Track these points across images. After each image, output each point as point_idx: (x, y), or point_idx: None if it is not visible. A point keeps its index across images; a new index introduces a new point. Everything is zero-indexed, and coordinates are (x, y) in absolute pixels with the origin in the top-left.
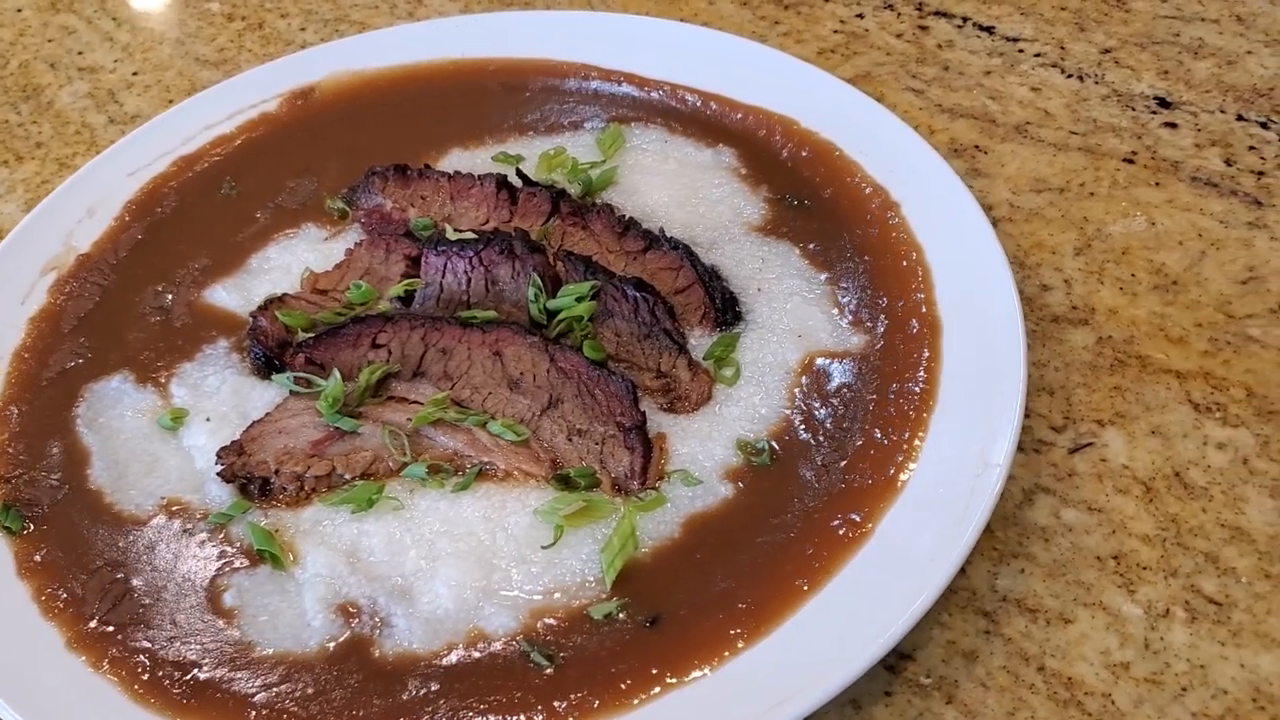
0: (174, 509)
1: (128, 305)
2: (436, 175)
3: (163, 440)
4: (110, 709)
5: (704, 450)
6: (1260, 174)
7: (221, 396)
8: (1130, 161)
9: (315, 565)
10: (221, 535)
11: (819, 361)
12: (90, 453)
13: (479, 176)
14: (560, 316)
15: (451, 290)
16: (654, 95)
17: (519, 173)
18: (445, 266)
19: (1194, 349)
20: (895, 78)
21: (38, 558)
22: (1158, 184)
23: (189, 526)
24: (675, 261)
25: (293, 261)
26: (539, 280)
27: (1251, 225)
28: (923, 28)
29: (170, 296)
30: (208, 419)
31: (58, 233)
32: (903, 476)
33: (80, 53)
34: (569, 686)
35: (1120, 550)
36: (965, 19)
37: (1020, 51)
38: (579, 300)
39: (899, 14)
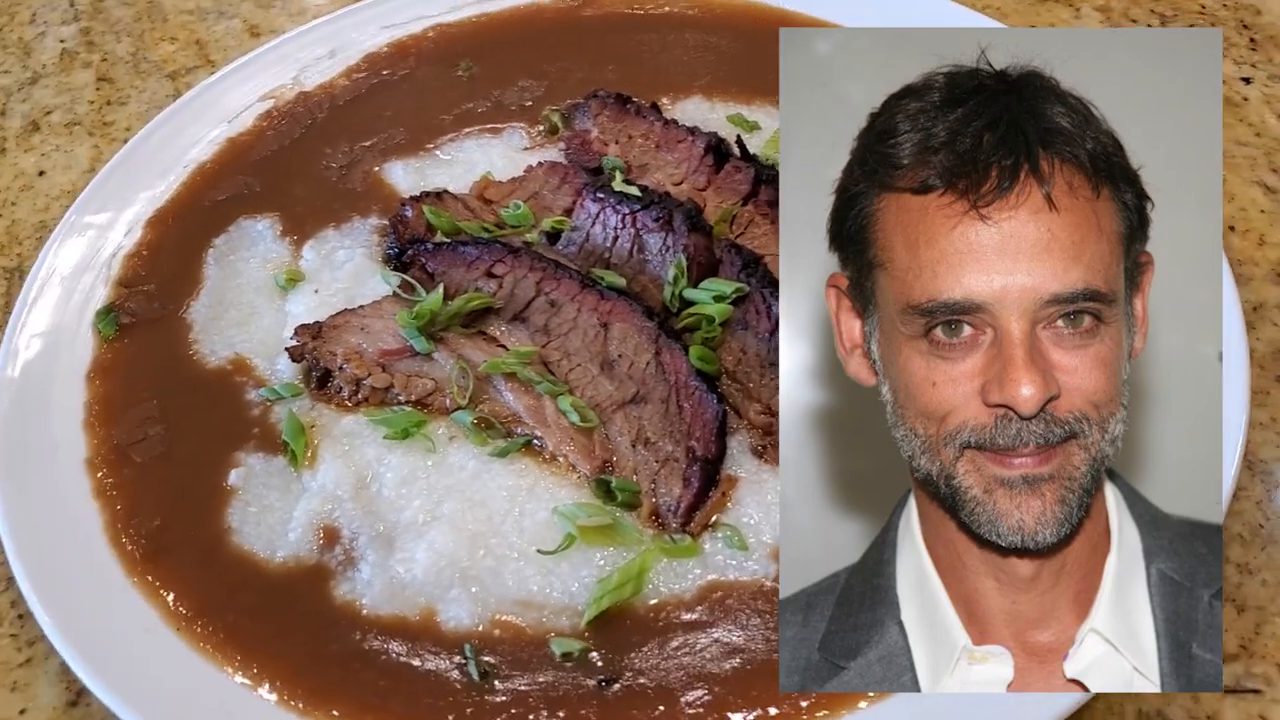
0: (240, 368)
1: (315, 154)
2: (653, 118)
3: (269, 297)
4: (82, 538)
5: (769, 516)
6: None
7: (341, 273)
8: None
9: (325, 477)
10: (263, 411)
11: None
12: (203, 286)
13: (694, 131)
14: (691, 310)
15: (596, 242)
16: None
17: (739, 141)
18: (598, 216)
19: None
20: (1251, 165)
21: (107, 367)
22: None
23: (242, 392)
24: None
25: (481, 161)
26: (684, 263)
27: None
28: None
29: (356, 159)
30: (316, 291)
31: (293, 65)
32: None
33: None
34: (486, 713)
35: None
36: None
37: None
38: (717, 299)
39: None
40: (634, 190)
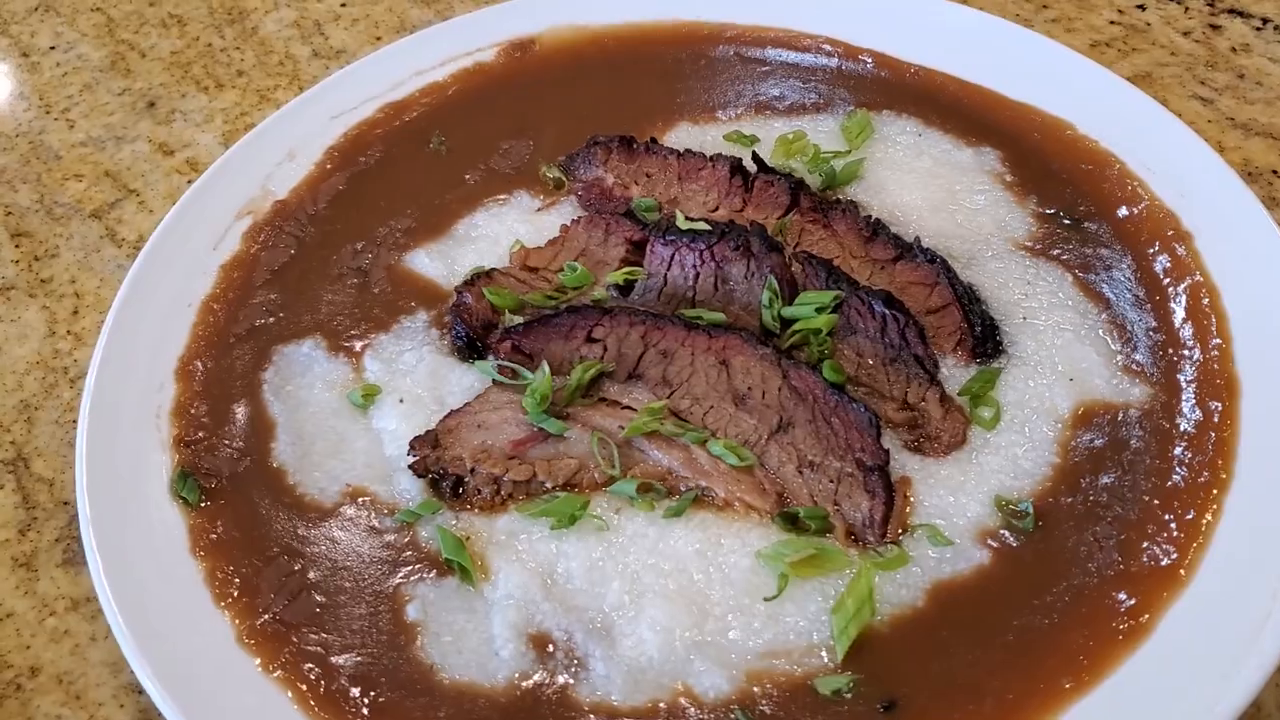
0: (359, 499)
1: (324, 263)
2: (665, 152)
3: (351, 418)
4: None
5: (955, 504)
6: None
7: (417, 376)
8: None
9: (507, 585)
10: (408, 536)
11: (1093, 413)
12: (276, 424)
13: (711, 157)
14: (795, 327)
15: (676, 285)
16: (908, 80)
17: (755, 157)
18: (672, 258)
19: None
20: (1180, 82)
21: (213, 536)
22: None
23: (375, 522)
24: (929, 276)
25: (502, 231)
26: (775, 284)
27: None
28: (1214, 27)
29: (369, 258)
30: (401, 400)
31: (256, 175)
32: (1188, 565)
33: None
34: None
35: None
36: (1265, 21)
37: None
38: (819, 311)
39: (1186, 8)
40: (703, 225)
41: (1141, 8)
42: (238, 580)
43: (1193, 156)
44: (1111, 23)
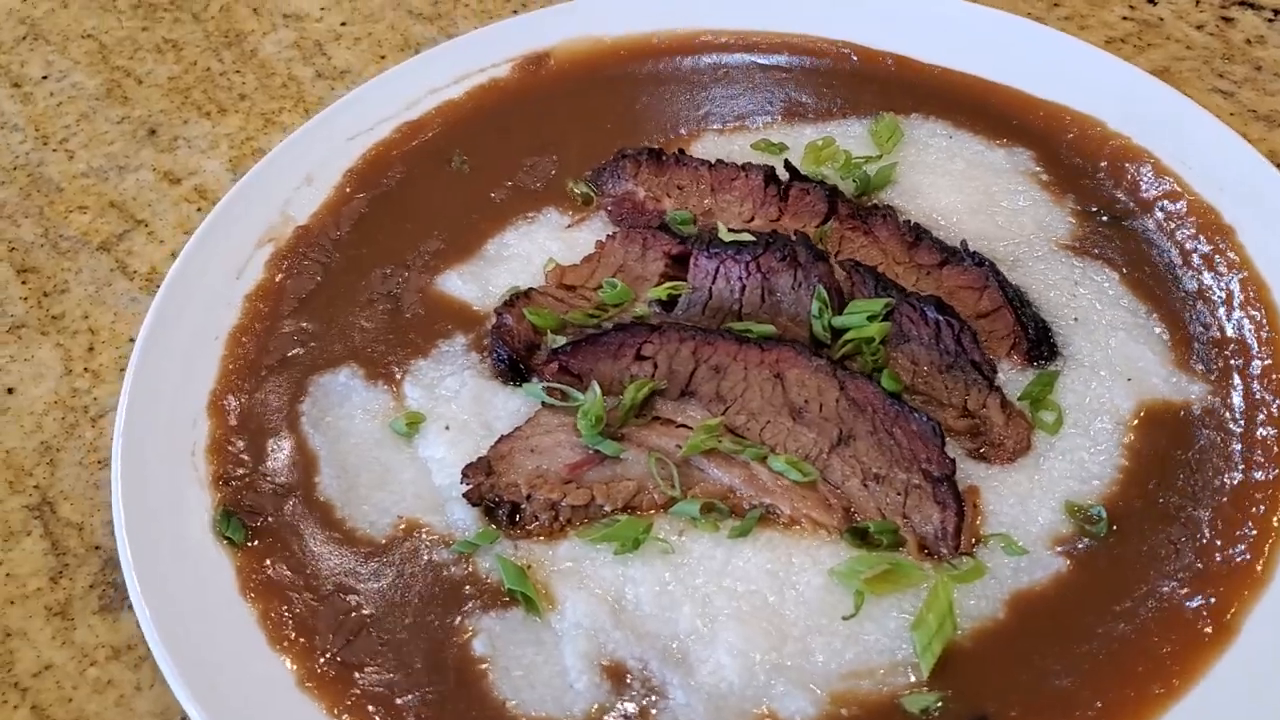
0: (413, 531)
1: (353, 288)
2: (695, 163)
3: (395, 448)
4: None
5: (1026, 512)
6: None
7: (461, 402)
8: None
9: (575, 613)
10: (468, 567)
11: (1155, 413)
12: (318, 457)
13: (743, 167)
14: (847, 337)
15: (722, 298)
16: (932, 82)
17: (787, 165)
18: (717, 271)
19: None
20: (1199, 76)
21: (262, 576)
22: None
23: (431, 555)
24: (978, 280)
25: (534, 250)
26: (824, 294)
27: None
28: (1226, 19)
29: (400, 281)
30: (447, 427)
31: (274, 200)
32: (1266, 563)
33: None
34: None
35: None
36: (1277, 12)
37: None
38: (870, 319)
39: (1198, 1)
40: (747, 237)
41: (1153, 2)
42: (292, 621)
43: (1227, 150)
44: (1124, 19)
